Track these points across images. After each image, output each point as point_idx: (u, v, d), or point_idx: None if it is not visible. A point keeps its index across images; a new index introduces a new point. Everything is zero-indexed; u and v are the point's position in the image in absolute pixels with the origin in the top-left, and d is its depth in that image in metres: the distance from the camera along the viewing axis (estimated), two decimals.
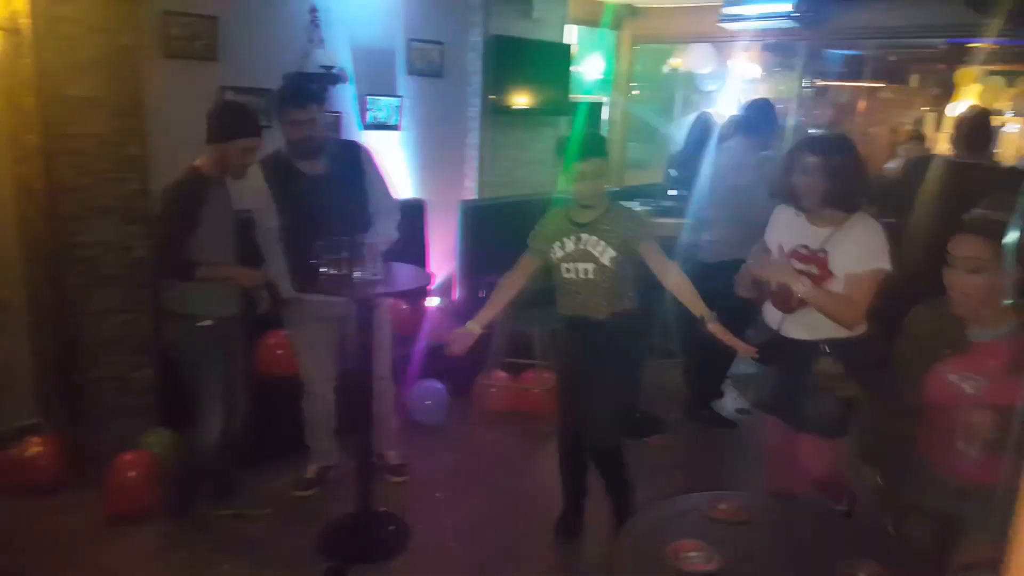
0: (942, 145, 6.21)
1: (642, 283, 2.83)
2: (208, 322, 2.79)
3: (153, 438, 3.28)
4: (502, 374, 4.19)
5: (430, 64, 4.67)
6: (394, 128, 4.51)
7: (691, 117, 7.39)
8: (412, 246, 4.10)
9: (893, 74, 8.45)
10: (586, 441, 2.89)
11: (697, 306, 2.64)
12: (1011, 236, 1.38)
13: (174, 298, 2.80)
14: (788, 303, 2.48)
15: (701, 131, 5.17)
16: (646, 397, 4.26)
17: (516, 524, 3.16)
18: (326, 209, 2.94)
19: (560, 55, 5.37)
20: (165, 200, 2.73)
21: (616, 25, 6.66)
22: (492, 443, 3.92)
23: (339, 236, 2.72)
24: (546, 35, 5.25)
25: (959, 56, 7.40)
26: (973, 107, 4.24)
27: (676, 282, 2.68)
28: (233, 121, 2.76)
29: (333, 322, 3.12)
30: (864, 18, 5.85)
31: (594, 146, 2.66)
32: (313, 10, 3.95)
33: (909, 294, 2.34)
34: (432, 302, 4.55)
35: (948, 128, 7.76)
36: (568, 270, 2.74)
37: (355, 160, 3.15)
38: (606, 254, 2.66)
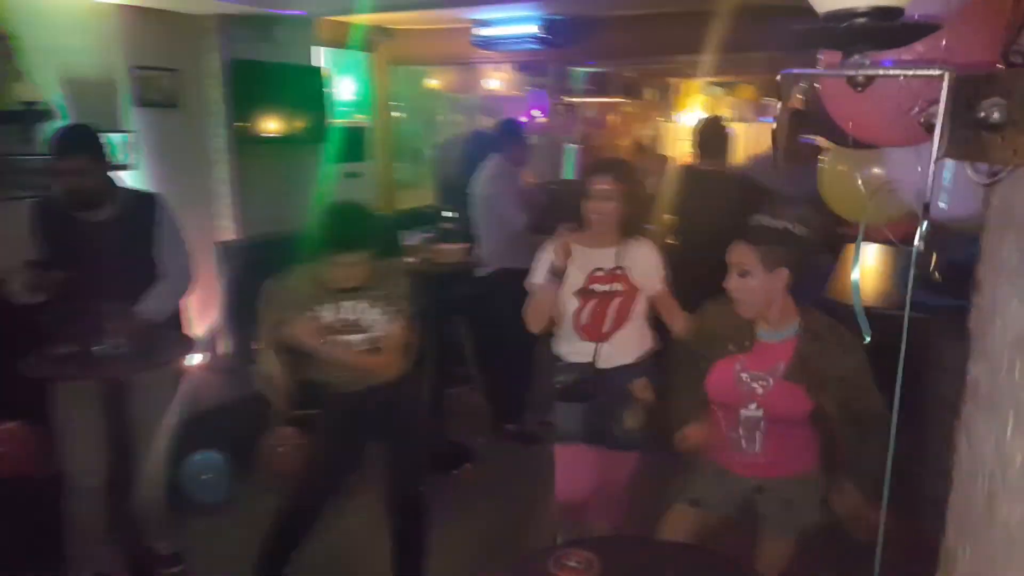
0: (672, 151, 6.79)
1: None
2: None
3: None
4: (289, 430, 3.76)
5: (162, 93, 4.14)
6: (124, 167, 3.92)
7: (456, 136, 7.47)
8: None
9: (630, 89, 9.15)
10: (319, 520, 2.57)
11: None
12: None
13: None
14: (599, 333, 2.48)
15: (472, 149, 5.17)
16: (449, 427, 4.13)
17: None
18: (104, 262, 2.52)
19: (311, 79, 5.05)
20: None
21: (369, 47, 6.47)
22: None
23: (81, 303, 2.25)
24: (293, 58, 4.90)
25: (683, 70, 8.21)
26: (710, 116, 4.63)
27: None
28: None
29: (92, 404, 2.61)
30: (602, 39, 6.21)
31: (358, 235, 2.25)
32: (3, 38, 3.30)
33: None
34: (195, 360, 4.01)
35: (681, 136, 8.63)
36: (328, 343, 2.36)
37: (146, 213, 2.71)
38: (379, 326, 2.34)
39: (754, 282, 1.97)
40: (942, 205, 1.52)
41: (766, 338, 2.04)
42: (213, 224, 4.50)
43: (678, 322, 2.48)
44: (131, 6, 3.90)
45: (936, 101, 1.02)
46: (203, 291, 4.31)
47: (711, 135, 3.89)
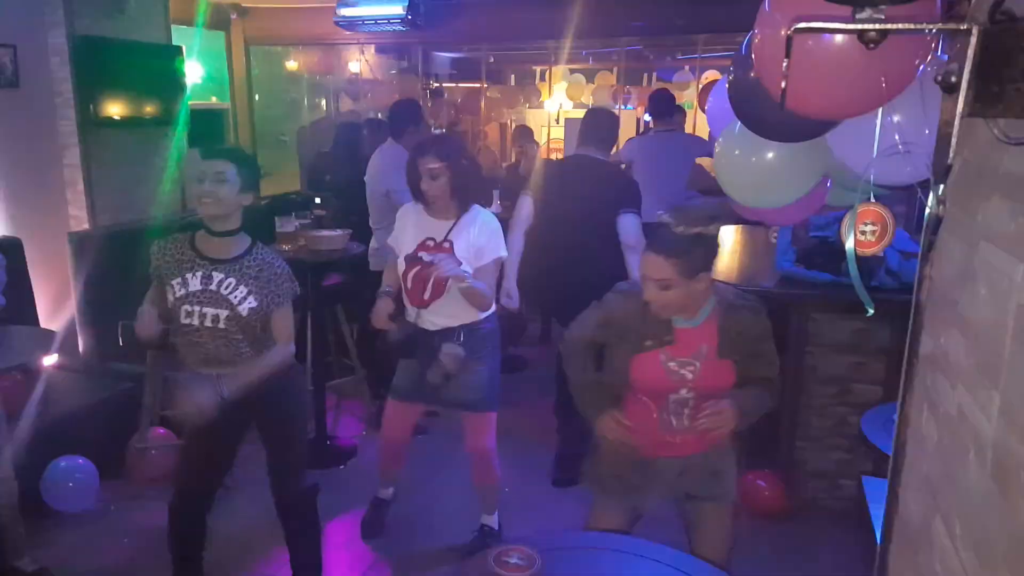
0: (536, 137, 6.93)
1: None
2: None
3: None
4: (161, 431, 3.58)
5: (2, 72, 3.78)
6: None
7: (319, 120, 7.28)
8: (14, 296, 3.28)
9: (494, 74, 9.25)
10: (208, 505, 2.50)
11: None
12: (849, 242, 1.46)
13: None
14: (420, 299, 2.71)
15: (345, 135, 5.07)
16: (332, 421, 4.06)
17: None
18: None
19: (167, 57, 4.75)
20: None
21: (223, 26, 6.16)
22: (162, 518, 3.31)
23: None
24: (147, 36, 4.60)
25: (546, 57, 8.41)
26: (596, 107, 4.82)
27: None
28: None
29: None
30: (466, 23, 6.25)
31: (222, 148, 2.29)
32: None
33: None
34: (49, 361, 3.71)
35: (544, 123, 8.84)
36: (188, 314, 2.20)
37: None
38: (245, 303, 2.19)
39: (676, 292, 1.91)
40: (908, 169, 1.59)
41: (687, 325, 2.01)
42: (64, 213, 4.17)
43: (480, 299, 2.65)
44: None
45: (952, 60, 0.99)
46: (57, 285, 4.00)
47: (600, 126, 3.69)
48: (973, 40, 0.96)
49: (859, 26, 1.08)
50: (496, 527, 3.05)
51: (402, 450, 3.06)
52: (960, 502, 1.00)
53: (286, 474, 2.51)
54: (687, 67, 8.33)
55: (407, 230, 2.75)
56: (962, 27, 0.98)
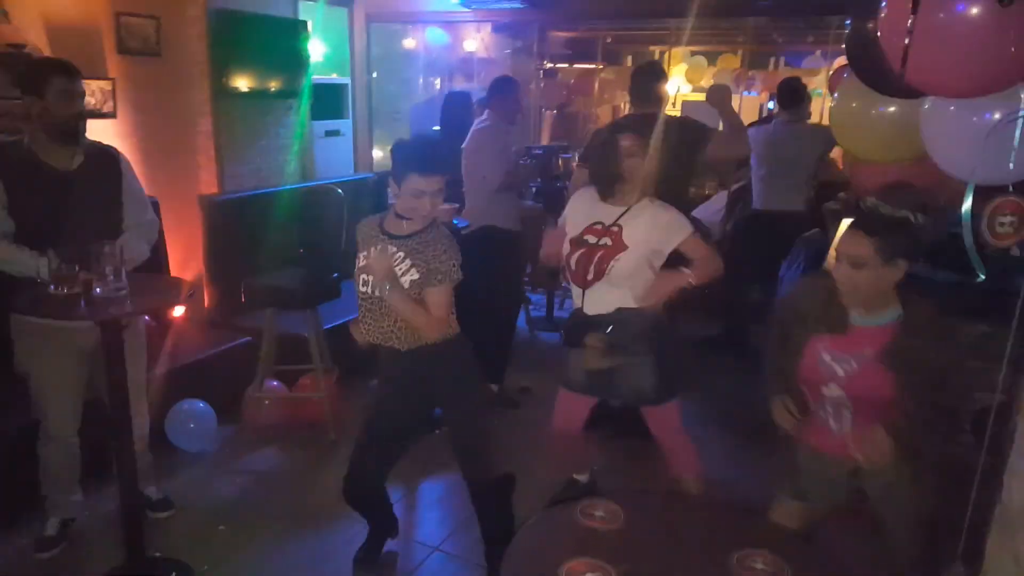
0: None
1: None
2: None
3: None
4: (274, 383, 3.81)
5: (146, 42, 4.06)
6: (108, 116, 3.87)
7: (434, 97, 7.42)
8: (151, 251, 3.56)
9: (610, 55, 9.13)
10: (383, 468, 2.62)
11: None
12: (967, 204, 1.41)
13: None
14: (584, 280, 2.63)
15: (454, 109, 5.16)
16: None
17: (312, 552, 2.86)
18: (73, 213, 2.50)
19: (295, 32, 4.98)
20: None
21: (347, 3, 6.37)
22: (272, 462, 3.56)
23: (77, 245, 2.25)
24: (277, 10, 4.83)
25: (666, 38, 8.20)
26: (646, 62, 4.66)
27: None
28: None
29: (75, 350, 2.63)
30: (585, 2, 6.19)
31: (441, 159, 2.32)
32: None
33: None
34: (179, 312, 4.00)
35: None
36: (365, 283, 2.36)
37: (111, 166, 2.70)
38: (407, 276, 2.29)
39: (867, 274, 1.85)
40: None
41: (859, 323, 1.95)
42: (197, 177, 4.45)
43: (708, 262, 2.56)
44: None
45: None
46: (186, 244, 4.29)
47: (643, 80, 3.59)
48: None
49: None
50: None
51: (574, 442, 2.92)
52: None
53: (472, 458, 2.57)
54: (818, 51, 7.84)
55: (577, 213, 2.73)
56: None
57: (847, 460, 2.01)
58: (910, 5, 1.10)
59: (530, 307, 5.58)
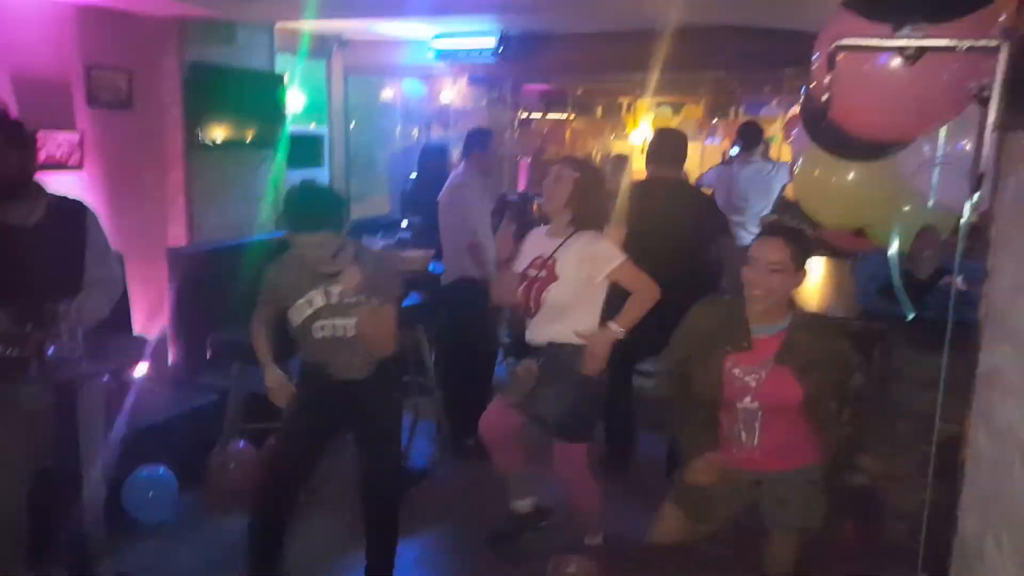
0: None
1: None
2: None
3: None
4: (242, 444, 3.65)
5: (117, 95, 4.01)
6: (75, 167, 3.79)
7: (410, 146, 7.45)
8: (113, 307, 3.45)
9: (582, 106, 9.27)
10: (289, 512, 2.59)
11: None
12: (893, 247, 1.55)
13: None
14: (528, 311, 2.80)
15: (431, 160, 5.18)
16: (409, 438, 4.05)
17: None
18: (29, 270, 2.39)
19: (270, 85, 4.97)
20: None
21: (326, 55, 6.41)
22: (239, 531, 3.33)
23: (31, 303, 2.15)
24: (253, 63, 4.81)
25: (634, 90, 8.39)
26: (663, 127, 4.88)
27: None
28: None
29: (22, 414, 2.47)
30: (558, 55, 6.28)
31: (321, 214, 2.27)
32: None
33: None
34: (140, 370, 3.86)
35: (629, 153, 8.80)
36: (322, 328, 2.42)
37: (74, 220, 2.59)
38: (363, 307, 2.38)
39: (782, 278, 2.00)
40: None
41: (761, 333, 2.07)
42: (165, 229, 4.36)
43: (643, 292, 2.65)
44: (90, 7, 3.78)
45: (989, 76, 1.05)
46: (152, 298, 4.18)
47: (664, 144, 3.67)
48: (1002, 56, 1.05)
49: (896, 43, 1.14)
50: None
51: (506, 449, 2.94)
52: (1007, 515, 1.03)
53: (383, 479, 2.59)
54: (775, 101, 8.23)
55: (528, 247, 2.88)
56: (992, 44, 1.06)
57: (750, 472, 2.14)
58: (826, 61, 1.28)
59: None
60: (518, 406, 2.83)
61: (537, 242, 2.84)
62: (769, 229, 2.11)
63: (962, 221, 1.21)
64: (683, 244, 3.30)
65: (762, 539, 2.19)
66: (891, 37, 1.16)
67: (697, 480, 2.13)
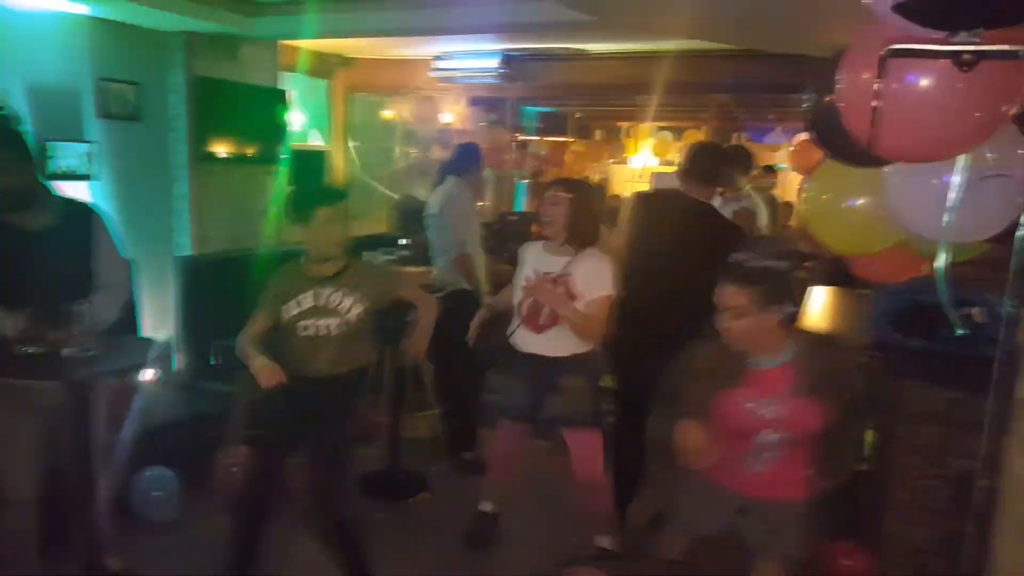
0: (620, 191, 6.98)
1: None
2: None
3: None
4: (244, 449, 3.69)
5: (125, 106, 4.10)
6: (84, 178, 3.86)
7: (410, 166, 7.55)
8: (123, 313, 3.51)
9: (581, 130, 9.41)
10: (265, 514, 2.69)
11: None
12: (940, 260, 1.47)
13: None
14: (536, 324, 2.91)
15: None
16: (406, 453, 4.08)
17: None
18: (42, 272, 2.45)
19: (274, 101, 5.07)
20: None
21: (327, 74, 6.52)
22: None
23: (45, 304, 2.20)
24: (257, 79, 4.91)
25: (634, 114, 8.50)
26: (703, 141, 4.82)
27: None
28: None
29: (37, 410, 2.53)
30: (560, 77, 6.40)
31: (330, 191, 2.61)
32: None
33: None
34: (147, 375, 3.90)
35: (628, 178, 8.89)
36: (306, 328, 2.58)
37: (84, 223, 2.65)
38: (353, 310, 2.59)
39: (748, 322, 1.98)
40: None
41: (764, 366, 2.05)
42: (171, 239, 4.43)
43: (586, 328, 2.83)
44: (99, 19, 3.88)
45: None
46: (159, 305, 4.24)
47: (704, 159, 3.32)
48: None
49: (954, 47, 1.07)
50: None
51: (508, 465, 3.26)
52: None
53: (335, 493, 2.67)
54: (779, 127, 8.23)
55: (527, 265, 2.99)
56: None
57: (736, 497, 2.16)
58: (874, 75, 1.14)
59: None
60: (526, 412, 3.01)
61: (537, 258, 2.97)
62: (724, 274, 2.03)
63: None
64: (691, 270, 2.92)
65: (749, 566, 2.18)
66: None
67: (687, 440, 2.04)
